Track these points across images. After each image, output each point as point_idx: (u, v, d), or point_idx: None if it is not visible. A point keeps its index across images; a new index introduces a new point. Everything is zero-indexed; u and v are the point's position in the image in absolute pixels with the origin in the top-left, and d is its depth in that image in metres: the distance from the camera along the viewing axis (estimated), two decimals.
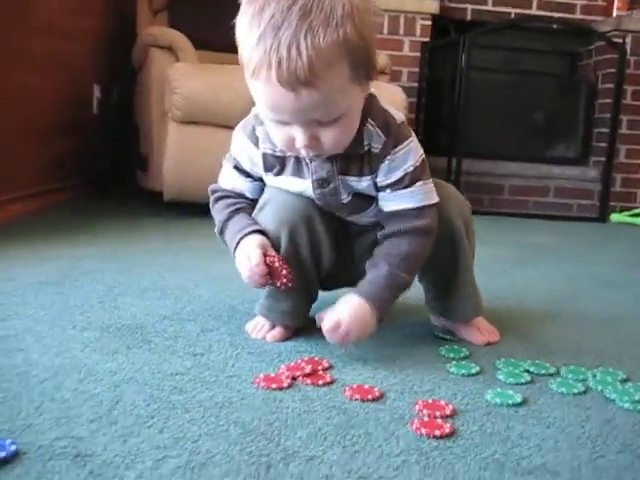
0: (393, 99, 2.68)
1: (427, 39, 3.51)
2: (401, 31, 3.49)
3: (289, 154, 1.08)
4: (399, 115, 1.08)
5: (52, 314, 1.19)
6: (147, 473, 0.68)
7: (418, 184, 1.08)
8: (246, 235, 1.09)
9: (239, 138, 1.14)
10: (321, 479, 0.69)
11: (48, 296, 1.31)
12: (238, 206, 1.15)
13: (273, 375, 0.95)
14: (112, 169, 3.35)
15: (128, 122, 3.13)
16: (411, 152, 1.07)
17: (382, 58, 3.22)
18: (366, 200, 1.11)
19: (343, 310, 1.03)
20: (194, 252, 1.87)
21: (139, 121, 2.80)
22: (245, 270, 1.06)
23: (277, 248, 1.09)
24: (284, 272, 1.05)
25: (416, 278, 1.18)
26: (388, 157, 1.05)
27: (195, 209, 2.49)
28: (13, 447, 0.70)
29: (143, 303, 1.30)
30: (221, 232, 1.15)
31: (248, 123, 1.12)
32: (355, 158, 1.07)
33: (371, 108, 1.05)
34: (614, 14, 3.58)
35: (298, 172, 1.10)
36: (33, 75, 2.41)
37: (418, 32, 3.50)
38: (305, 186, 1.10)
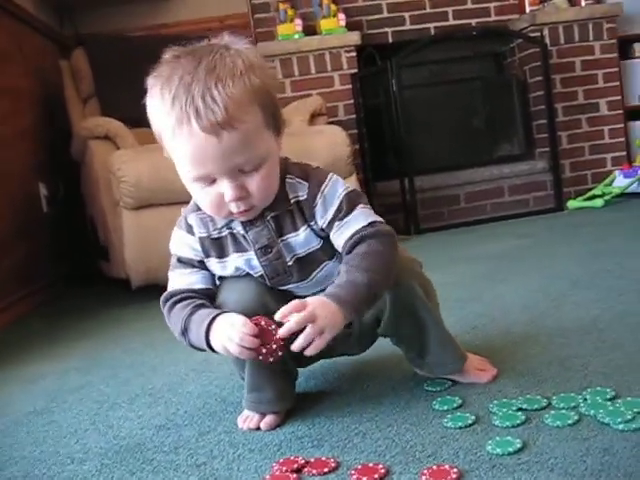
0: (334, 140, 2.73)
1: (355, 70, 3.57)
2: (329, 67, 3.55)
3: (224, 233, 1.12)
4: (313, 163, 1.15)
5: (48, 450, 1.18)
6: None
7: (359, 207, 1.10)
8: (217, 316, 1.06)
9: (175, 234, 1.18)
10: None
11: (40, 428, 1.30)
12: (198, 302, 1.13)
13: (279, 474, 0.96)
14: (74, 264, 3.32)
15: (81, 215, 3.12)
16: (338, 182, 1.12)
17: (315, 99, 3.28)
18: (309, 261, 1.13)
19: (313, 305, 1.01)
20: (172, 342, 1.84)
21: (93, 212, 2.79)
22: (234, 338, 1.01)
23: None
24: (273, 327, 1.01)
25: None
26: (318, 197, 1.10)
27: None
28: None
29: (135, 415, 1.30)
30: (185, 330, 1.11)
31: (180, 219, 1.17)
32: (286, 215, 1.11)
33: (286, 166, 1.12)
34: (527, 10, 3.68)
35: (238, 247, 1.13)
36: None
37: (345, 65, 3.57)
38: (250, 257, 1.12)
